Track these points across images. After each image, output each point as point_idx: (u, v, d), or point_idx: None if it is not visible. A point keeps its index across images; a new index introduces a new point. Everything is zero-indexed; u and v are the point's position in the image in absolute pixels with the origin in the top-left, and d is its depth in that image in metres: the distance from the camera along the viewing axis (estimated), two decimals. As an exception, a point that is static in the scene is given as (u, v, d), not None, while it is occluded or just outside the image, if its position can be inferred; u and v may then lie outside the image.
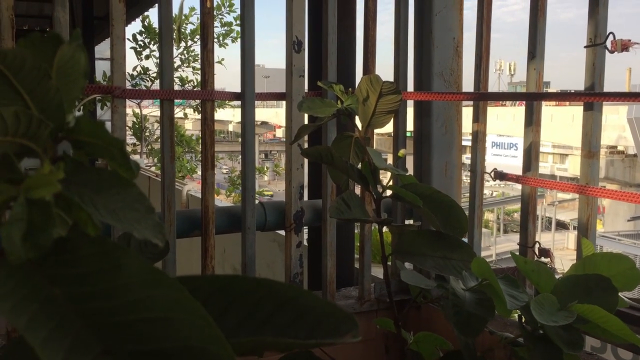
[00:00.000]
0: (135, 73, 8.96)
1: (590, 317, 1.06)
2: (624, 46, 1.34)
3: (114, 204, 0.37)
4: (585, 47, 1.42)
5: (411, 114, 1.87)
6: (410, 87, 1.84)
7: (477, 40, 1.65)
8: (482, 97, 1.59)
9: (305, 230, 2.09)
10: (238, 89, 1.65)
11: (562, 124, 24.31)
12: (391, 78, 1.77)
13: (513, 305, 1.09)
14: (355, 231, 2.44)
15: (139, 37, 8.87)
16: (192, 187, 4.68)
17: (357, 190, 1.68)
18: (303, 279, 1.79)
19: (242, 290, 0.37)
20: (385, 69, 1.99)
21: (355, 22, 1.96)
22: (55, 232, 0.31)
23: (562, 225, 26.50)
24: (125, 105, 1.53)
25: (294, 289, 0.37)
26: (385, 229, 1.39)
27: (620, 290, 1.11)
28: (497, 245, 23.56)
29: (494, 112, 28.13)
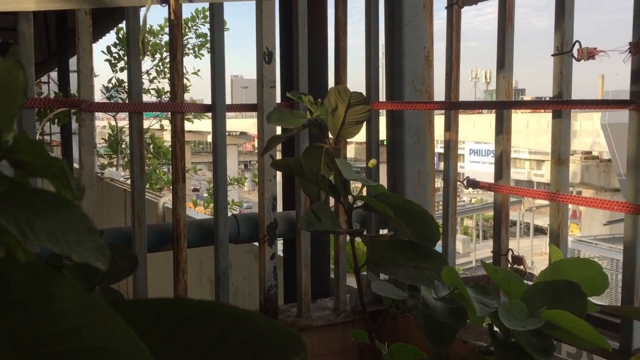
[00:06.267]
0: (110, 85, 8.88)
1: (559, 323, 1.06)
2: (590, 54, 1.36)
3: (54, 225, 0.36)
4: (552, 55, 1.44)
5: (384, 123, 1.87)
6: (383, 96, 1.84)
7: (447, 49, 1.66)
8: (452, 106, 1.59)
9: (281, 241, 2.07)
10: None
11: (538, 131, 24.61)
12: (364, 88, 1.78)
13: (482, 312, 1.09)
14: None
15: (113, 50, 8.80)
16: (169, 199, 4.64)
17: (332, 201, 1.68)
18: (278, 291, 1.77)
19: (188, 314, 0.36)
20: (358, 79, 1.99)
21: (327, 33, 1.96)
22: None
23: (540, 231, 26.76)
24: (94, 118, 1.50)
25: (242, 312, 0.36)
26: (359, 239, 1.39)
27: (589, 295, 1.11)
28: (477, 252, 23.71)
29: (471, 120, 28.39)
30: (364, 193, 1.42)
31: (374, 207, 1.28)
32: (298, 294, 1.77)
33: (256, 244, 1.79)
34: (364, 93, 1.77)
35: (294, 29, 1.70)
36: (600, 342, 1.03)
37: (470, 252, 24.12)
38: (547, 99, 1.75)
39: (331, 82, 1.92)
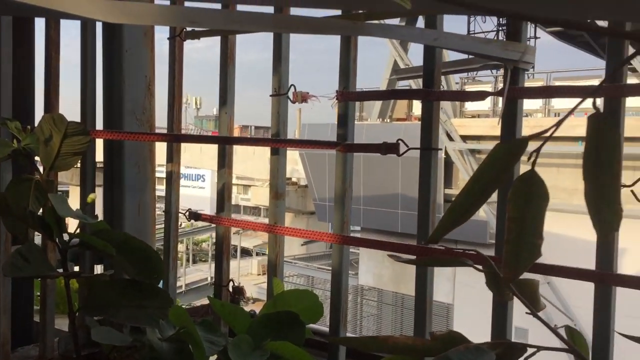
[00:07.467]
0: None
1: (281, 353, 1.12)
2: (303, 98, 1.49)
3: None
4: (270, 96, 1.53)
5: (100, 147, 1.76)
6: (100, 124, 1.73)
7: (170, 81, 1.64)
8: (177, 139, 1.58)
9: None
10: None
11: (245, 157, 25.93)
12: (78, 114, 1.65)
13: (211, 351, 1.09)
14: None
15: None
16: None
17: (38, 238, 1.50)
18: (-32, 345, 1.51)
19: None
20: (71, 103, 1.84)
21: (34, 52, 1.77)
22: None
23: (246, 252, 28.08)
24: None
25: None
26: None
27: (307, 322, 1.20)
28: (187, 276, 23.78)
29: (181, 145, 28.50)
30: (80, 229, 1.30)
31: (94, 245, 1.18)
32: (-5, 346, 1.54)
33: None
34: (79, 119, 1.65)
35: (-5, 43, 1.50)
36: (317, 366, 1.12)
37: (181, 276, 24.08)
38: (262, 137, 1.86)
39: (39, 107, 1.74)
